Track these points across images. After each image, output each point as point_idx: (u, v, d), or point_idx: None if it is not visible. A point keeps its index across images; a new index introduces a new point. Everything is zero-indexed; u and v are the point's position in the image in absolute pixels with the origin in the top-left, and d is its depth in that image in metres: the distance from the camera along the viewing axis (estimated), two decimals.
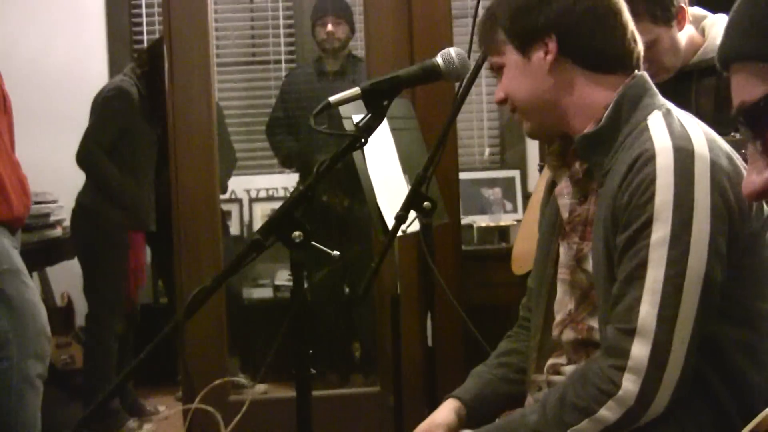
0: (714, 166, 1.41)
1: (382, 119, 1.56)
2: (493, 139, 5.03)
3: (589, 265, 1.54)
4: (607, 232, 1.47)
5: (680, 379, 1.40)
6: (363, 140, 1.52)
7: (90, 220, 3.81)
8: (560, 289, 1.63)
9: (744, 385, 1.45)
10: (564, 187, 1.63)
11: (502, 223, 4.14)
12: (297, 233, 1.51)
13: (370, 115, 1.54)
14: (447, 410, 1.71)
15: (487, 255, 3.82)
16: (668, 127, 1.45)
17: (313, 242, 1.53)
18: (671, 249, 1.39)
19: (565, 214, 1.62)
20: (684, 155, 1.41)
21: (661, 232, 1.40)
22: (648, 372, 1.39)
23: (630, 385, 1.40)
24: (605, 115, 1.52)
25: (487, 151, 5.01)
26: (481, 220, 4.22)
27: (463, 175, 3.66)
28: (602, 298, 1.49)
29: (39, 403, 2.63)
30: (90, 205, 3.81)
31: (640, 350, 1.40)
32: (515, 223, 4.08)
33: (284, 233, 1.51)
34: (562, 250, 1.63)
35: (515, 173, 4.68)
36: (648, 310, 1.40)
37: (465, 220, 3.76)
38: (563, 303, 1.62)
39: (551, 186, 1.71)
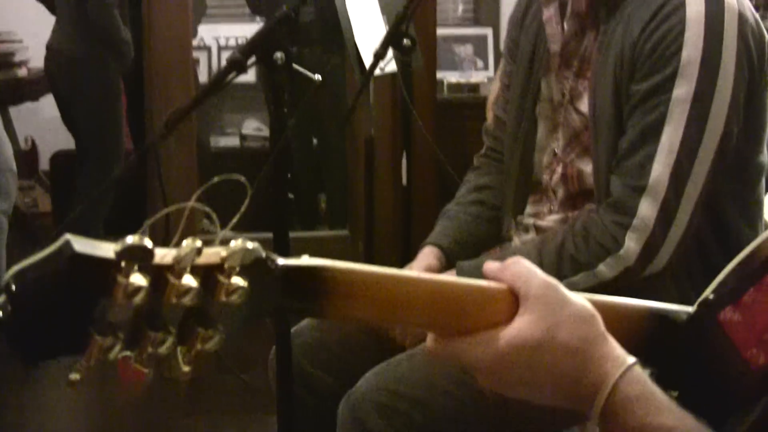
0: (741, 18, 1.36)
1: None
2: None
3: (584, 106, 1.46)
4: (618, 77, 1.39)
5: (683, 237, 1.39)
6: None
7: (94, 70, 3.68)
8: (542, 126, 1.55)
9: (736, 240, 1.44)
10: (552, 14, 1.51)
11: (473, 80, 4.09)
12: (279, 54, 1.44)
13: None
14: (425, 257, 1.61)
15: (459, 104, 3.77)
16: None
17: (294, 65, 1.49)
18: (693, 108, 1.34)
19: (555, 46, 1.51)
20: (715, 6, 1.34)
21: (684, 89, 1.34)
22: (653, 232, 1.37)
23: (632, 244, 1.38)
24: None
25: (461, 7, 4.93)
26: (452, 77, 4.18)
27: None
28: (603, 145, 1.43)
29: (4, 241, 2.56)
30: (90, 55, 3.66)
31: (647, 209, 1.37)
32: (486, 80, 4.06)
33: (266, 53, 1.44)
34: (544, 84, 1.54)
35: (488, 31, 4.61)
36: (661, 169, 1.36)
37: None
38: (547, 141, 1.55)
39: (525, 8, 1.60)
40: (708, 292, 0.81)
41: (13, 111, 4.25)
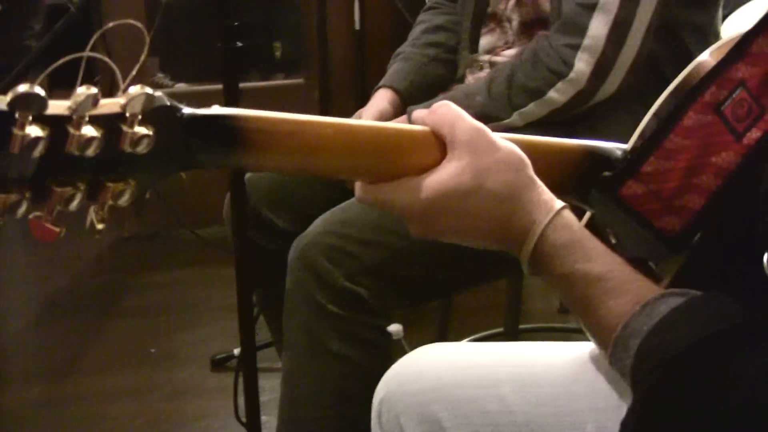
0: None
1: None
2: None
3: None
4: None
5: (635, 60, 1.37)
6: None
7: None
8: None
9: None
10: None
11: None
12: None
13: None
14: (379, 100, 1.59)
15: None
16: None
17: None
18: None
19: None
20: None
21: None
22: (604, 51, 1.36)
23: (583, 65, 1.37)
24: None
25: None
26: None
27: None
28: None
29: None
30: None
31: (598, 27, 1.35)
32: None
33: None
34: None
35: None
36: None
37: None
38: None
39: None
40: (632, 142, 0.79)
41: None
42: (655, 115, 0.79)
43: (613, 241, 0.79)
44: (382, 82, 1.61)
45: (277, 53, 4.36)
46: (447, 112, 0.75)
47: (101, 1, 2.12)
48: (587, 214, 0.83)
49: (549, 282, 0.75)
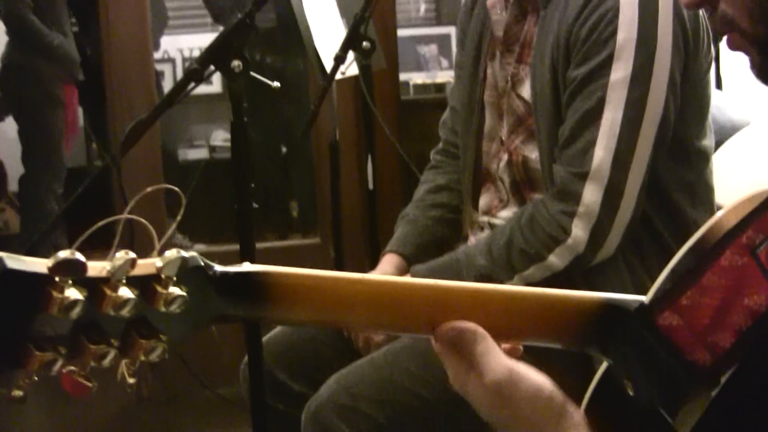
0: None
1: None
2: None
3: (526, 91, 1.49)
4: (556, 62, 1.41)
5: (630, 222, 1.40)
6: None
7: (24, 77, 3.76)
8: (489, 114, 1.58)
9: (684, 222, 1.46)
10: (497, 1, 1.54)
11: (438, 80, 4.11)
12: (236, 63, 1.46)
13: None
14: (385, 265, 1.63)
15: (425, 104, 3.90)
16: None
17: (252, 73, 1.52)
18: (631, 90, 1.36)
19: (498, 32, 1.53)
20: None
21: (621, 72, 1.36)
22: (599, 218, 1.39)
23: (580, 232, 1.39)
24: None
25: (423, 6, 4.86)
26: (417, 78, 4.11)
27: (398, 32, 3.60)
28: (545, 131, 1.45)
29: None
30: (22, 62, 3.76)
31: (592, 195, 1.38)
32: (451, 80, 3.85)
33: (223, 62, 1.47)
34: (490, 71, 1.57)
35: (451, 30, 4.27)
36: (603, 154, 1.37)
37: (401, 78, 3.72)
38: (494, 129, 1.58)
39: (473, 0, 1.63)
40: (654, 288, 0.81)
41: None
42: (672, 270, 0.82)
43: (631, 393, 0.81)
44: (388, 247, 1.65)
45: (294, 213, 4.53)
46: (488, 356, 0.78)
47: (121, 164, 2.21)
48: (600, 371, 0.85)
49: None
